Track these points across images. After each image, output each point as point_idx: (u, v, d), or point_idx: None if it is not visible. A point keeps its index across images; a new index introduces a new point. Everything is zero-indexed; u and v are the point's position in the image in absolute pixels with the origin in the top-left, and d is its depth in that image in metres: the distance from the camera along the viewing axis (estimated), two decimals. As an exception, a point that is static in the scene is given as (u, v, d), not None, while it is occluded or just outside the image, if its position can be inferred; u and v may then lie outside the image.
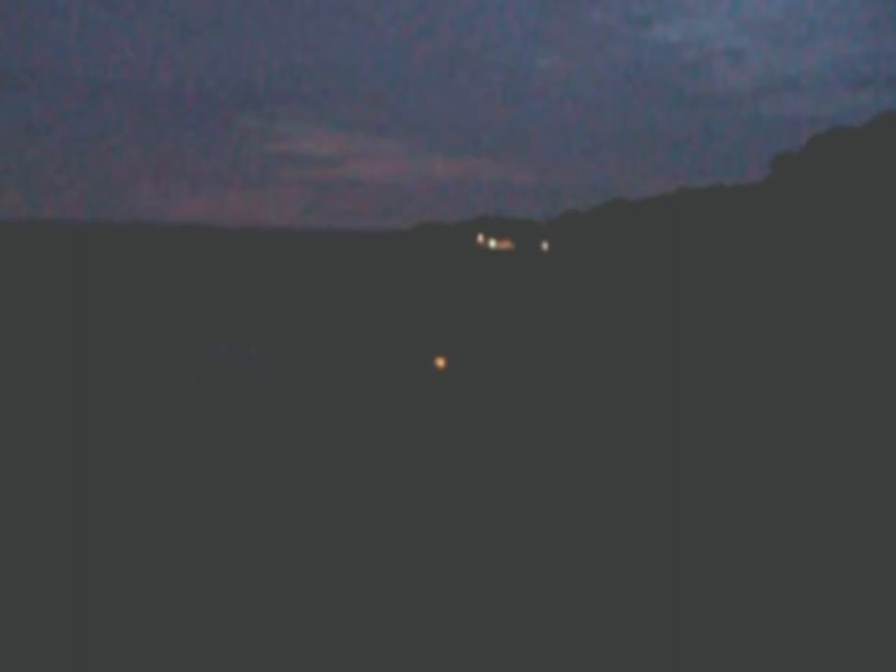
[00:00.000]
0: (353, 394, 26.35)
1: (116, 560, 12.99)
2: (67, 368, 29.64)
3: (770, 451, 19.85)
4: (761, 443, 20.50)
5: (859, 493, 16.74)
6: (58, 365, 30.18)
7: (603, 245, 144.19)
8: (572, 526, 14.77)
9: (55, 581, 12.25)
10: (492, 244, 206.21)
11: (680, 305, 58.01)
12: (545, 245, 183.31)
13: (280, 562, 13.08)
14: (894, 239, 71.72)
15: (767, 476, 17.84)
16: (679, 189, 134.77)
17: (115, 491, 16.35)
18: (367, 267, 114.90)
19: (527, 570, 12.85)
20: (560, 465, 18.56)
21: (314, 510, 15.53)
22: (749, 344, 38.05)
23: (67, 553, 13.25)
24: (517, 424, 22.58)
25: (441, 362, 33.88)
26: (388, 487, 16.99)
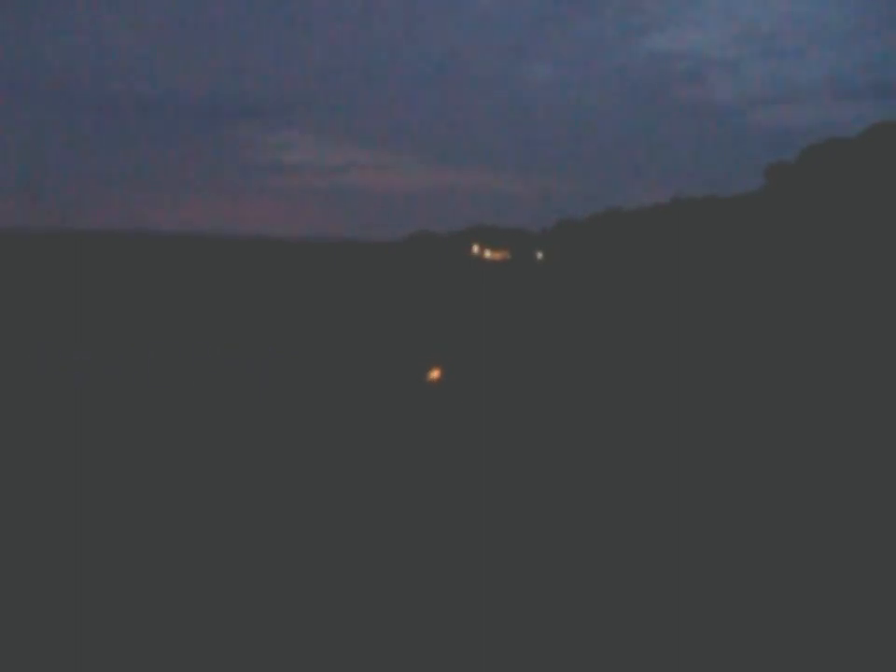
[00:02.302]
0: (347, 403, 26.41)
1: (116, 559, 13.03)
2: (67, 377, 29.65)
3: (768, 466, 19.95)
4: (759, 460, 20.59)
5: (859, 494, 16.84)
6: (58, 373, 30.18)
7: (598, 255, 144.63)
8: (571, 533, 14.84)
9: (55, 579, 12.28)
10: (486, 253, 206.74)
11: (677, 314, 58.17)
12: (540, 255, 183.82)
13: (279, 564, 13.13)
14: (889, 249, 72.10)
15: (767, 487, 17.94)
16: (673, 198, 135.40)
17: (112, 491, 16.39)
18: (361, 277, 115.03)
19: (527, 573, 12.92)
20: (558, 473, 18.63)
21: (312, 514, 15.59)
22: (746, 353, 38.18)
23: (67, 551, 13.28)
24: (513, 433, 22.64)
25: (435, 373, 33.93)
26: (385, 491, 17.05)
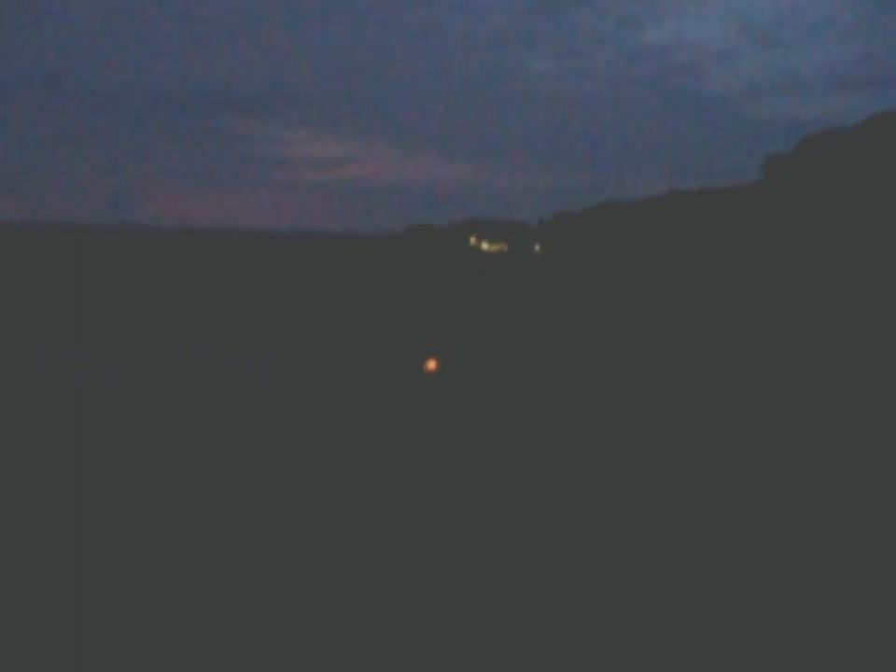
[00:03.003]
0: (346, 393, 26.46)
1: (116, 555, 13.07)
2: (66, 373, 29.64)
3: (769, 455, 19.98)
4: (760, 447, 20.63)
5: (859, 494, 16.89)
6: (58, 372, 30.17)
7: (595, 247, 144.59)
8: (572, 531, 14.88)
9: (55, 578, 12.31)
10: (484, 246, 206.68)
11: (674, 306, 58.16)
12: (537, 247, 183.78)
13: (279, 561, 13.18)
14: (886, 239, 72.13)
15: (768, 483, 17.98)
16: (670, 190, 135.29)
17: (113, 489, 16.44)
18: (359, 269, 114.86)
19: (527, 572, 12.96)
20: (557, 468, 18.67)
21: (313, 510, 15.64)
22: (743, 345, 38.21)
23: (67, 550, 13.32)
24: (509, 423, 22.69)
25: (432, 364, 33.94)
26: (384, 483, 17.10)
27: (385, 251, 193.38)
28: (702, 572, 12.87)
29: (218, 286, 77.75)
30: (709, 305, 58.11)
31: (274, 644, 10.78)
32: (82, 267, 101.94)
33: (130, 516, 15.13)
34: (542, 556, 13.51)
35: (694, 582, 12.51)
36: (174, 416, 23.24)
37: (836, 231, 78.85)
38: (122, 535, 14.21)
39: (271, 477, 17.70)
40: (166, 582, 12.36)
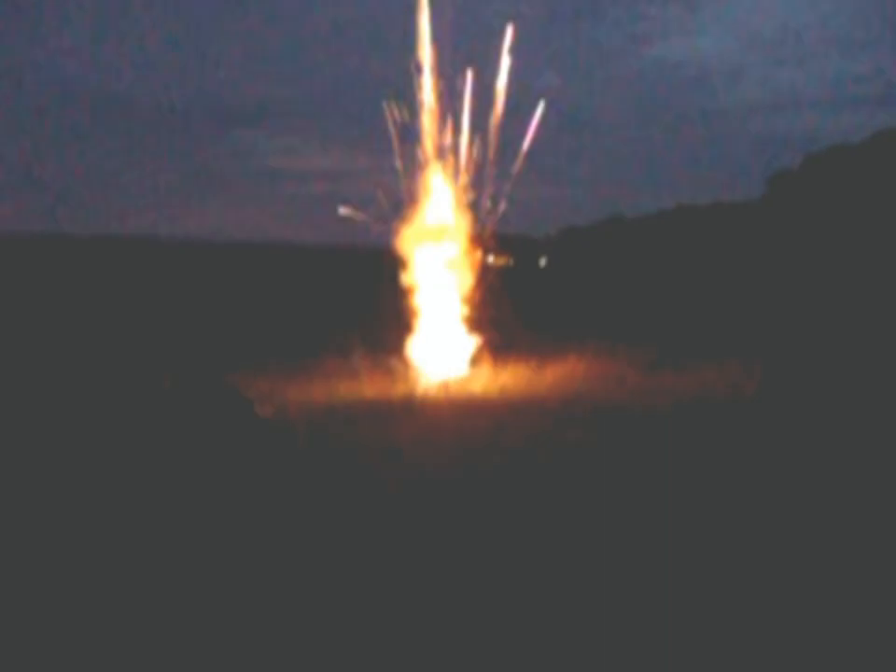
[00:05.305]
0: (347, 405, 26.48)
1: (115, 557, 13.06)
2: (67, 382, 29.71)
3: (768, 470, 19.96)
4: (760, 465, 20.59)
5: (859, 495, 16.84)
6: (57, 377, 30.25)
7: (602, 262, 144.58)
8: (572, 534, 14.86)
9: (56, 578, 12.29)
10: (490, 259, 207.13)
11: (680, 321, 58.15)
12: (543, 261, 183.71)
13: (279, 563, 13.17)
14: (891, 255, 72.05)
15: (768, 489, 17.96)
16: (678, 205, 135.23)
17: (112, 490, 16.43)
18: (364, 282, 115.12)
19: (527, 574, 12.93)
20: (558, 477, 18.67)
21: (310, 514, 15.64)
22: (747, 359, 38.15)
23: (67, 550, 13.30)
24: (514, 437, 22.69)
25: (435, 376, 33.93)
26: (383, 491, 17.10)
27: (390, 262, 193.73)
28: (701, 574, 12.83)
29: (221, 294, 77.99)
30: (716, 319, 58.04)
31: (270, 644, 10.75)
32: (86, 272, 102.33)
33: (129, 517, 15.12)
34: (546, 561, 13.48)
35: (694, 583, 12.45)
36: (174, 418, 23.23)
37: (842, 248, 78.81)
38: (122, 536, 14.20)
39: (270, 479, 17.69)
40: (163, 583, 12.35)
